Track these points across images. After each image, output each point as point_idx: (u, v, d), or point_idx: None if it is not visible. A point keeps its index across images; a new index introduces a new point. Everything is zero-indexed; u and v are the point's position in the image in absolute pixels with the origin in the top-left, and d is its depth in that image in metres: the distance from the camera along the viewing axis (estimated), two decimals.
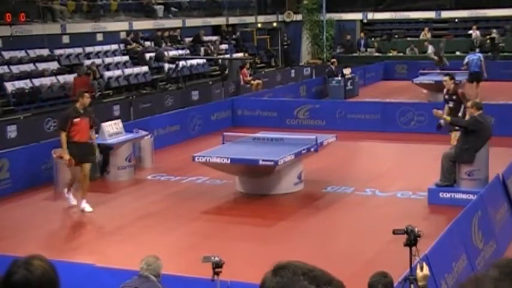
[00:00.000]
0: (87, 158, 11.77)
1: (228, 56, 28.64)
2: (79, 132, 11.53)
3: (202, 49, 28.27)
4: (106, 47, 25.09)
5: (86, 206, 11.73)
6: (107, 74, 23.28)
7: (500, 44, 29.82)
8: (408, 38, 33.33)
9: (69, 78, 22.07)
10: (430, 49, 31.48)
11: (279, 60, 33.99)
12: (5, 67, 20.99)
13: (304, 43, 35.35)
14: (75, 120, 11.50)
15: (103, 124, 14.17)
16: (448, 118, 11.49)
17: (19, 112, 19.62)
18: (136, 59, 25.40)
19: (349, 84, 24.55)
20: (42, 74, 21.39)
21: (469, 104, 11.66)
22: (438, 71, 24.41)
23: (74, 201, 11.96)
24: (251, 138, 13.65)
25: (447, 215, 10.28)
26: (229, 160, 11.90)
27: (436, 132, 13.78)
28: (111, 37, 25.56)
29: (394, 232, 6.16)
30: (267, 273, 1.98)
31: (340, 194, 12.57)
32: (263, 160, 11.66)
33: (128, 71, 24.08)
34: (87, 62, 23.05)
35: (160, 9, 28.53)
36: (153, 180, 13.90)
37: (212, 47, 28.58)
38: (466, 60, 22.48)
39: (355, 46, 33.36)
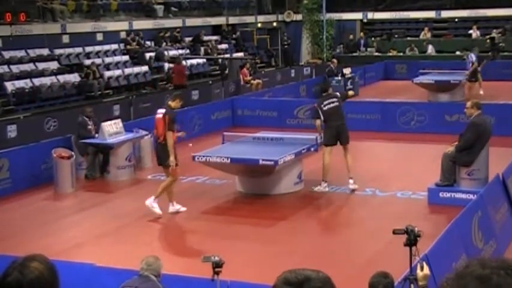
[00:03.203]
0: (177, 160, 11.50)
1: (228, 55, 28.65)
2: (175, 133, 11.43)
3: (202, 49, 28.29)
4: (106, 47, 25.11)
5: (180, 206, 11.55)
6: (107, 73, 23.28)
7: (500, 44, 29.82)
8: (408, 38, 33.34)
9: (69, 78, 22.12)
10: (430, 49, 31.52)
11: (279, 60, 34.00)
12: (5, 67, 21.01)
13: (304, 43, 35.36)
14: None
15: (103, 124, 14.16)
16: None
17: (19, 112, 19.63)
18: (136, 59, 25.41)
19: (349, 84, 24.54)
20: (42, 73, 21.40)
21: (468, 103, 11.66)
22: (438, 70, 24.44)
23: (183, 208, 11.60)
24: (251, 138, 13.65)
25: (447, 215, 10.28)
26: (229, 160, 11.90)
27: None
28: (111, 37, 25.57)
29: (394, 232, 6.16)
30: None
31: (340, 194, 12.57)
32: (263, 160, 11.65)
33: (127, 70, 24.09)
34: (87, 62, 23.07)
35: (160, 9, 28.55)
36: (153, 180, 13.87)
37: (211, 46, 28.58)
38: (474, 58, 22.47)
39: (355, 46, 33.41)
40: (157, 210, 11.38)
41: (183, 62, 25.15)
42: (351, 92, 13.49)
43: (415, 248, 6.03)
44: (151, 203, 11.38)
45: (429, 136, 16.99)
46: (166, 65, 25.48)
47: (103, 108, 19.08)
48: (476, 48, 24.52)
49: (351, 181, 12.63)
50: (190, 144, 13.06)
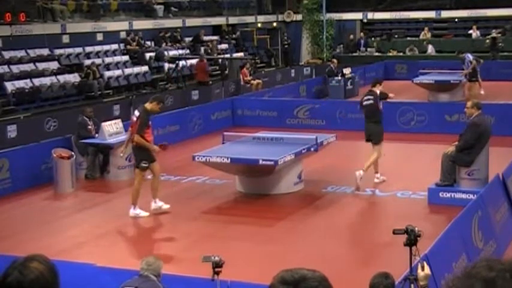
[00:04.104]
0: (154, 158, 11.57)
1: (228, 56, 28.65)
2: (150, 136, 11.43)
3: (202, 49, 28.29)
4: (106, 47, 25.12)
5: (163, 204, 11.63)
6: (107, 73, 23.29)
7: (500, 44, 29.84)
8: (408, 38, 33.36)
9: (69, 78, 22.13)
10: (430, 49, 31.52)
11: (279, 60, 34.00)
12: (5, 67, 21.01)
13: (304, 43, 35.37)
14: (149, 122, 11.44)
15: (103, 124, 14.16)
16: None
17: (19, 112, 19.64)
18: (136, 59, 25.41)
19: (349, 84, 24.55)
20: (42, 73, 21.41)
21: (469, 103, 11.66)
22: (438, 70, 24.43)
23: (146, 213, 11.55)
24: (251, 138, 13.65)
25: (447, 215, 10.28)
26: (229, 160, 11.90)
27: None
28: (111, 37, 25.58)
29: (394, 232, 6.15)
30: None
31: (340, 194, 12.57)
32: (263, 160, 11.65)
33: (127, 70, 24.10)
34: (87, 62, 23.07)
35: (160, 9, 28.55)
36: None
37: (211, 46, 28.58)
38: (471, 58, 22.48)
39: (355, 46, 33.42)
40: (143, 213, 11.42)
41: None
42: (391, 94, 13.46)
43: (415, 248, 6.03)
44: (133, 212, 11.40)
45: (429, 136, 16.99)
46: (166, 65, 25.50)
47: (103, 108, 19.09)
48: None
49: (357, 173, 12.55)
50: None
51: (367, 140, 12.98)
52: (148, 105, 11.41)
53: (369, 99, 12.84)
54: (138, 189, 11.41)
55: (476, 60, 22.46)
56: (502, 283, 1.68)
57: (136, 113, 11.45)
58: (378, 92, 12.87)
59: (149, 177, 11.79)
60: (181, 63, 25.56)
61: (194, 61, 27.16)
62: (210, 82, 25.31)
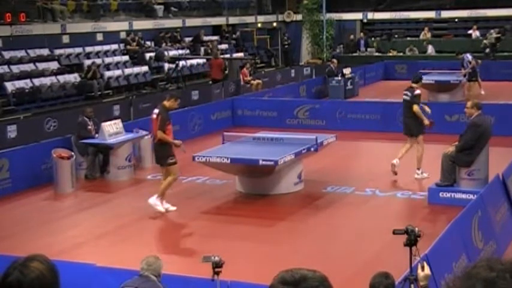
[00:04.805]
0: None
1: (228, 56, 28.65)
2: (170, 133, 11.52)
3: (202, 49, 28.29)
4: (106, 47, 25.12)
5: (170, 206, 11.71)
6: (107, 73, 23.30)
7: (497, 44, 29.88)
8: (408, 38, 33.35)
9: (69, 78, 22.12)
10: (430, 49, 31.52)
11: (279, 60, 34.01)
12: (5, 67, 21.02)
13: (304, 43, 35.37)
14: (169, 120, 11.56)
15: (103, 124, 14.16)
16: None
17: (19, 112, 19.64)
18: (136, 59, 25.41)
19: (349, 84, 24.54)
20: (42, 74, 21.42)
21: (469, 104, 11.66)
22: (438, 70, 24.44)
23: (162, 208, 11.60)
24: (251, 138, 13.65)
25: (447, 215, 10.28)
26: (229, 160, 11.90)
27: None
28: (111, 37, 25.58)
29: (394, 232, 6.15)
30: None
31: (340, 194, 12.57)
32: (263, 160, 11.65)
33: (127, 70, 24.11)
34: (87, 62, 23.07)
35: (160, 9, 28.56)
36: (153, 180, 13.87)
37: (210, 46, 28.59)
38: (470, 58, 22.47)
39: (355, 46, 33.42)
40: (159, 208, 11.46)
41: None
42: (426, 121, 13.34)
43: (415, 248, 6.03)
44: (155, 201, 11.48)
45: (429, 136, 16.97)
46: (166, 65, 25.51)
47: (103, 108, 19.08)
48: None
49: (416, 176, 13.05)
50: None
51: (407, 134, 13.31)
52: (166, 103, 11.55)
53: (406, 95, 13.28)
54: (170, 184, 11.53)
55: (475, 60, 22.48)
56: (502, 283, 1.69)
57: (156, 110, 11.57)
58: (416, 92, 13.09)
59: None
60: (181, 63, 25.56)
61: (195, 61, 27.23)
62: (211, 83, 25.28)
